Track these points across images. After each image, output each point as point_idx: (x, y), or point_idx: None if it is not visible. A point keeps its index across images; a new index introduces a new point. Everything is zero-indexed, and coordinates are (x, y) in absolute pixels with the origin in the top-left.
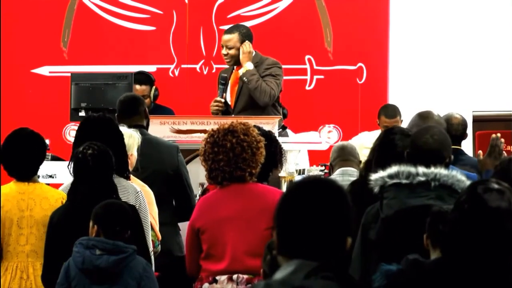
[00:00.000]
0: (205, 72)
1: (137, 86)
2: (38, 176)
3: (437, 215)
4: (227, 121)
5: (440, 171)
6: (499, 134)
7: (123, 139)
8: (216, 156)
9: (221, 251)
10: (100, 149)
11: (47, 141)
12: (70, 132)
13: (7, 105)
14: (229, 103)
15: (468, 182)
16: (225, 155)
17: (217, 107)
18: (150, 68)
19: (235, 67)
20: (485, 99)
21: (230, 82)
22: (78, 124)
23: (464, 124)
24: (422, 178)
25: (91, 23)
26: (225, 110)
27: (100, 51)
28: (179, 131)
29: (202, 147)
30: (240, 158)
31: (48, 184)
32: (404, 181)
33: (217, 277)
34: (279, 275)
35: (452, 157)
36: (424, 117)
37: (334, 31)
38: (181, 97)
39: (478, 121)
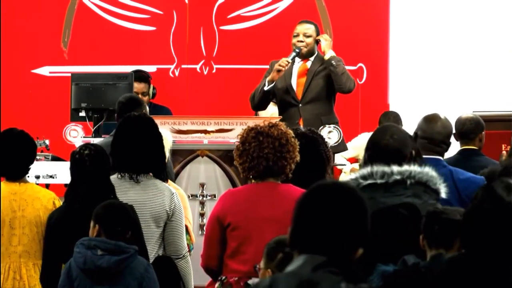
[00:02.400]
0: (205, 72)
1: (136, 84)
2: (28, 176)
3: (432, 216)
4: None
5: (415, 168)
6: None
7: (162, 140)
8: (260, 144)
9: (253, 251)
10: (96, 149)
11: (47, 141)
12: (71, 132)
13: (8, 105)
14: (295, 91)
15: (439, 178)
16: (271, 143)
17: (283, 66)
18: (150, 68)
19: (299, 60)
20: (485, 99)
21: (296, 73)
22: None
23: (472, 120)
24: (398, 177)
25: (91, 24)
26: (266, 99)
27: (100, 51)
28: (180, 131)
29: (238, 142)
30: (285, 148)
31: (49, 184)
32: (379, 181)
33: (250, 281)
34: (288, 269)
35: (414, 153)
36: (429, 120)
37: (334, 32)
38: (181, 97)
39: None
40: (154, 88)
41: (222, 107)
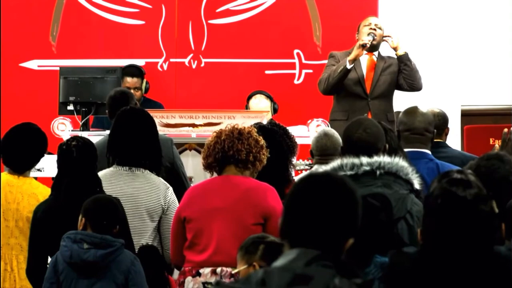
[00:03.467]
0: (193, 66)
1: (129, 79)
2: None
3: None
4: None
5: (384, 159)
6: None
7: (157, 134)
8: (219, 137)
9: (206, 241)
10: (84, 141)
11: None
12: (59, 126)
13: None
14: (365, 86)
15: (410, 169)
16: (229, 132)
17: (366, 43)
18: (138, 62)
19: (365, 52)
20: (473, 94)
21: (365, 66)
22: (64, 118)
23: (439, 116)
24: (367, 168)
25: (80, 17)
26: (344, 80)
27: (88, 45)
28: (168, 125)
29: (204, 149)
30: (242, 136)
31: (36, 178)
32: (349, 173)
33: (201, 270)
34: (279, 262)
35: (387, 146)
36: (409, 112)
37: (323, 26)
38: (170, 91)
39: (467, 115)
40: (147, 82)
41: (210, 101)
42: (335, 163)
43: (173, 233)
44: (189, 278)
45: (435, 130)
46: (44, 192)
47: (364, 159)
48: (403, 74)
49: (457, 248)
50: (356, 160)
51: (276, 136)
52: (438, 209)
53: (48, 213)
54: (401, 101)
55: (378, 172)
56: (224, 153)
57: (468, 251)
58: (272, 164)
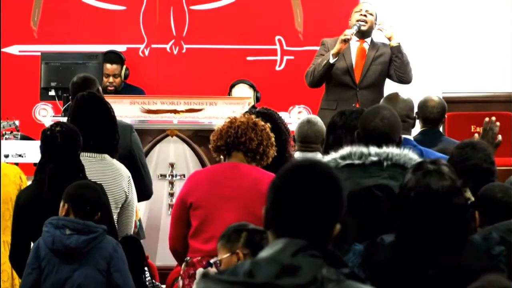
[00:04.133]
0: (175, 52)
1: (108, 65)
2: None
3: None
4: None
5: (392, 150)
6: (493, 118)
7: (114, 118)
8: (232, 123)
9: (214, 229)
10: (68, 127)
11: (17, 122)
12: (40, 111)
13: None
14: (354, 75)
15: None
16: (244, 123)
17: (348, 36)
18: (120, 48)
19: (356, 39)
20: (455, 81)
21: (355, 54)
22: (45, 104)
23: (439, 107)
24: (375, 158)
25: (61, 2)
26: (328, 73)
27: (70, 30)
28: (149, 111)
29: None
30: (257, 127)
31: (17, 164)
32: (356, 162)
33: (212, 260)
34: (265, 253)
35: (402, 137)
36: (390, 99)
37: (305, 12)
38: (151, 77)
39: (448, 102)
40: (127, 69)
41: (192, 87)
42: (344, 150)
43: (176, 218)
44: (200, 270)
45: (437, 121)
46: (13, 171)
47: (373, 149)
48: (394, 66)
49: (430, 241)
50: (365, 150)
51: (274, 118)
52: (411, 202)
53: (31, 199)
54: (386, 89)
55: (385, 163)
56: (236, 138)
57: (441, 244)
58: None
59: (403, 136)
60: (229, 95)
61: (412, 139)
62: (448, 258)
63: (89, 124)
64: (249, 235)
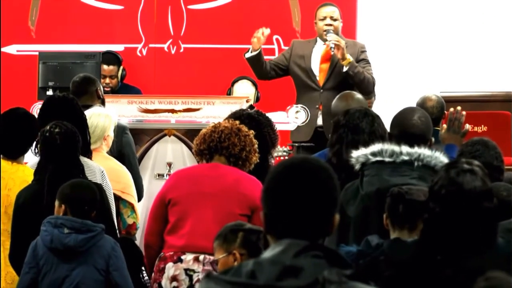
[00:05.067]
0: (173, 52)
1: (105, 66)
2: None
3: (397, 196)
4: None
5: (424, 151)
6: (459, 107)
7: (85, 119)
8: (216, 128)
9: (190, 224)
10: (67, 127)
11: None
12: (38, 111)
13: None
14: (316, 76)
15: None
16: (227, 129)
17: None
18: (117, 47)
19: (322, 43)
20: (453, 80)
21: (319, 57)
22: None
23: (438, 105)
24: (406, 157)
25: (59, 2)
26: (255, 66)
27: (68, 30)
28: (147, 111)
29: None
30: (241, 132)
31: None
32: (387, 159)
33: (183, 256)
34: (268, 254)
35: (433, 139)
36: (342, 99)
37: (303, 12)
38: (149, 77)
39: (446, 101)
40: (123, 70)
41: (189, 86)
42: (375, 147)
43: (153, 215)
44: (170, 264)
45: (437, 121)
46: None
47: (405, 148)
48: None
49: (454, 241)
50: (396, 148)
51: (261, 126)
52: (441, 199)
53: (31, 199)
54: (385, 87)
55: (416, 164)
56: (219, 143)
57: (465, 246)
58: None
59: None
60: (230, 90)
61: None
62: (470, 260)
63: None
64: (246, 235)
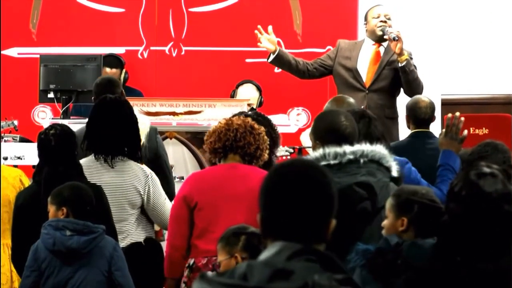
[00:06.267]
0: (174, 54)
1: (108, 69)
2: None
3: (426, 208)
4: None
5: (366, 147)
6: (457, 113)
7: (137, 122)
8: (230, 125)
9: (222, 229)
10: (63, 129)
11: (16, 122)
12: (39, 113)
13: None
14: (361, 76)
15: (391, 157)
16: (240, 127)
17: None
18: (119, 50)
19: (372, 43)
20: (454, 83)
21: (368, 58)
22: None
23: (431, 106)
24: (351, 156)
25: (60, 5)
26: (283, 67)
27: (69, 32)
28: (148, 113)
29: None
30: (255, 130)
31: (16, 166)
32: (332, 162)
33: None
34: (262, 256)
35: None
36: (336, 101)
37: (304, 14)
38: (150, 79)
39: (447, 104)
40: (126, 73)
41: (190, 89)
42: (317, 152)
43: (178, 217)
44: (209, 273)
45: (428, 122)
46: (13, 173)
47: (347, 148)
48: (403, 82)
49: (473, 244)
50: (338, 149)
51: (263, 126)
52: (461, 201)
53: (29, 201)
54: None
55: (362, 160)
56: (235, 142)
57: (483, 249)
58: None
59: None
60: (234, 93)
61: None
62: (488, 263)
63: (107, 128)
64: (248, 238)
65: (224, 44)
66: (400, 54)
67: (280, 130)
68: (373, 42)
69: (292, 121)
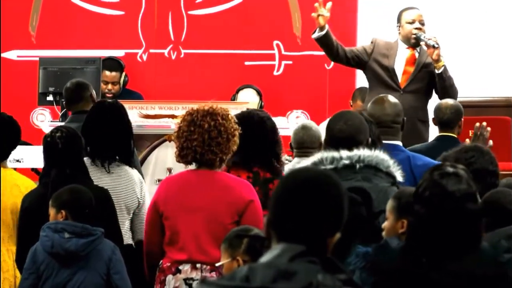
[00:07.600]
0: (173, 57)
1: (107, 73)
2: (10, 161)
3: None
4: (202, 104)
5: (363, 152)
6: (484, 123)
7: (131, 127)
8: (190, 135)
9: (184, 240)
10: (69, 131)
11: None
12: (38, 116)
13: None
14: (397, 76)
15: (391, 161)
16: (200, 135)
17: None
18: (118, 53)
19: (405, 47)
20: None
21: (404, 61)
22: (42, 109)
23: (451, 108)
24: (347, 161)
25: (60, 7)
26: (325, 46)
27: (68, 35)
28: (147, 116)
29: (177, 123)
30: (214, 141)
31: (15, 169)
32: (329, 167)
33: (180, 267)
34: (264, 258)
35: (370, 139)
36: (377, 102)
37: (303, 17)
38: (149, 82)
39: None
40: (126, 76)
41: (190, 92)
42: (316, 157)
43: (151, 225)
44: (170, 277)
45: (449, 124)
46: (26, 184)
47: (344, 153)
48: (439, 88)
49: (438, 244)
50: (336, 154)
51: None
52: (425, 201)
53: (35, 204)
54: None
55: (357, 166)
56: (196, 160)
57: (449, 248)
58: (259, 152)
59: (390, 142)
60: (234, 98)
61: (400, 144)
62: (454, 263)
63: (102, 132)
64: (250, 242)
65: (223, 47)
66: (438, 60)
67: (279, 132)
68: (407, 46)
69: (291, 124)
